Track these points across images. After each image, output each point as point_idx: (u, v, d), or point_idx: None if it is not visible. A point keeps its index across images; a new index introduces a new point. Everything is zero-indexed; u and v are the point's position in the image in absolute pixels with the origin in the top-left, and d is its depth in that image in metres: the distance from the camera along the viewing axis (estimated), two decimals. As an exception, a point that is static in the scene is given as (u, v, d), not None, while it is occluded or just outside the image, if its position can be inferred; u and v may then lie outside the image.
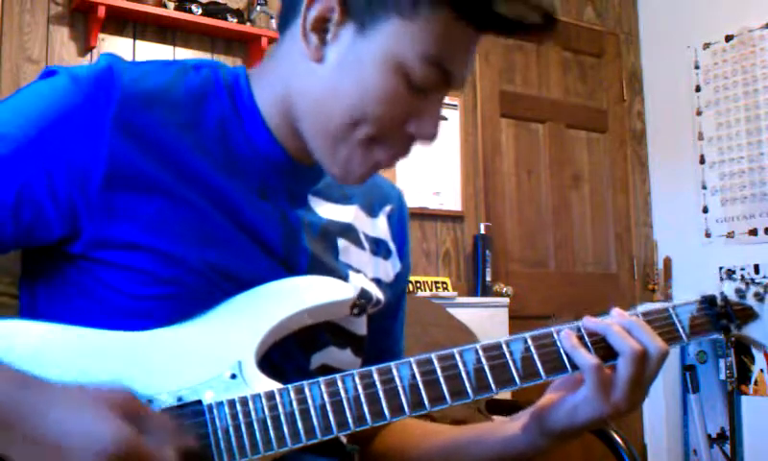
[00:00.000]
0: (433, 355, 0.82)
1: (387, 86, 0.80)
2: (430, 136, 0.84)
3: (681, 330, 0.90)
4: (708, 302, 0.93)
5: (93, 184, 0.79)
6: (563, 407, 0.86)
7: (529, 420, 0.90)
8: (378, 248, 1.01)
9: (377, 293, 0.96)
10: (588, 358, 0.83)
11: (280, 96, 0.87)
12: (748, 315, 0.93)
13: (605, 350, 0.85)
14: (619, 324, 0.85)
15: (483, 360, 0.83)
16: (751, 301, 0.94)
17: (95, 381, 0.70)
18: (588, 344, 0.85)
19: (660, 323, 0.89)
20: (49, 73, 0.83)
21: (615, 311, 0.87)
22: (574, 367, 0.84)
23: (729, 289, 0.94)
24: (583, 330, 0.86)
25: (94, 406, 0.66)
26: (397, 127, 0.83)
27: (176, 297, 0.80)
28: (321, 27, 0.82)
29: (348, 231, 0.96)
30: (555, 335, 0.85)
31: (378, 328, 0.99)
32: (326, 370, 0.89)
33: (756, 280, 0.94)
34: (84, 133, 0.79)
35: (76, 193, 0.79)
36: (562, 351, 0.85)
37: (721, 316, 0.92)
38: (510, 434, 0.92)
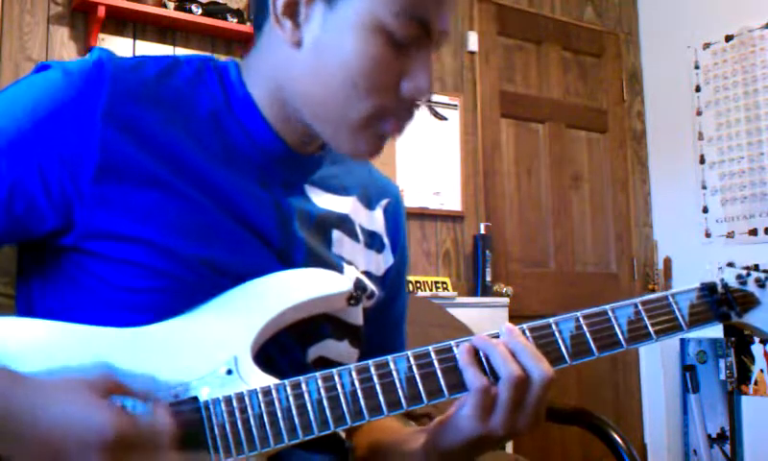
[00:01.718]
0: (430, 348, 0.81)
1: (369, 51, 0.80)
2: (425, 91, 0.83)
3: (680, 319, 0.87)
4: (707, 289, 0.90)
5: (85, 176, 0.79)
6: (449, 425, 0.84)
7: (426, 437, 0.89)
8: (373, 241, 1.00)
9: (371, 285, 0.96)
10: (473, 379, 0.80)
11: (271, 87, 0.87)
12: (749, 302, 0.90)
13: None
14: (505, 345, 0.81)
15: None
16: (752, 287, 0.91)
17: (77, 366, 0.70)
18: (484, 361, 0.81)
19: (659, 311, 0.87)
20: (42, 67, 0.83)
21: (506, 329, 0.82)
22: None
23: (729, 275, 0.91)
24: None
25: (81, 396, 0.67)
26: (392, 92, 0.82)
27: (169, 290, 0.80)
28: (291, 11, 0.82)
29: (344, 222, 0.95)
30: (554, 326, 0.84)
31: (373, 324, 0.99)
32: (324, 362, 0.89)
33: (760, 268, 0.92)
34: (75, 125, 0.79)
35: (68, 185, 0.79)
36: (490, 357, 0.81)
37: (721, 303, 0.89)
38: (413, 448, 0.91)
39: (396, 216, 1.06)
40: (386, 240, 1.03)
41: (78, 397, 0.67)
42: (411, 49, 0.82)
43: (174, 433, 0.69)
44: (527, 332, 0.83)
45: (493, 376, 0.80)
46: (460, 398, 0.82)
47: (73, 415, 0.66)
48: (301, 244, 0.88)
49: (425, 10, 0.80)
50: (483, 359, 0.81)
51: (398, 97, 0.83)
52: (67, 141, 0.79)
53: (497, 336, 0.83)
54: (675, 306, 0.88)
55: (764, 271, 0.92)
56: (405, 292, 1.09)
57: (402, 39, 0.80)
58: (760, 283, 0.91)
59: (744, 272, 0.91)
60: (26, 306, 0.86)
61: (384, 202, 1.04)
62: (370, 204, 1.01)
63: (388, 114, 0.83)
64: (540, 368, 0.80)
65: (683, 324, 0.88)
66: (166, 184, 0.81)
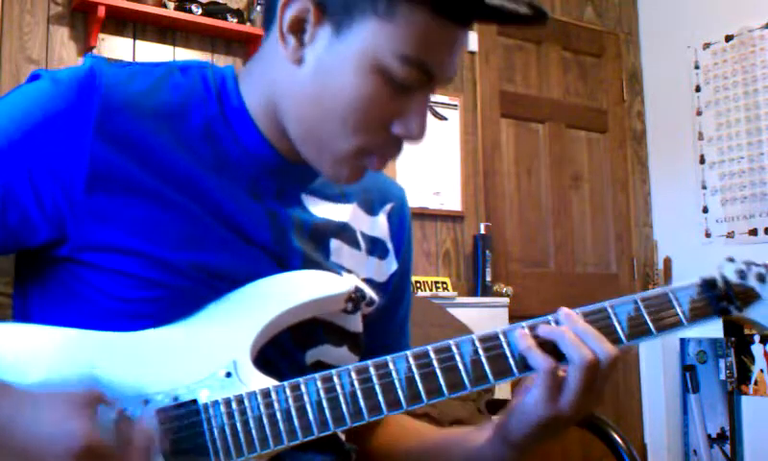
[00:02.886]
0: (429, 348, 0.81)
1: (366, 88, 0.78)
2: (417, 136, 0.81)
3: (681, 314, 0.87)
4: (708, 284, 0.89)
5: (76, 188, 0.79)
6: (516, 411, 0.84)
7: (493, 431, 0.89)
8: (375, 247, 0.99)
9: (370, 292, 0.95)
10: (541, 361, 0.80)
11: (267, 97, 0.86)
12: (749, 296, 0.90)
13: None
14: (573, 331, 0.82)
15: (480, 351, 0.82)
16: (752, 282, 0.90)
17: (63, 377, 0.71)
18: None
19: (660, 307, 0.87)
20: (34, 77, 0.83)
21: (564, 314, 0.84)
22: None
23: (729, 270, 0.91)
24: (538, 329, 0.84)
25: (59, 407, 0.68)
26: (381, 131, 0.81)
27: (165, 299, 0.80)
28: (298, 28, 0.80)
29: (343, 231, 0.95)
30: (553, 324, 0.84)
31: (374, 329, 0.98)
32: (322, 367, 0.88)
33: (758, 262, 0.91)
34: (65, 136, 0.79)
35: (59, 197, 0.79)
36: (559, 343, 0.83)
37: (721, 298, 0.88)
38: (478, 444, 0.91)
39: (401, 219, 1.04)
40: (390, 246, 1.02)
41: (55, 408, 0.68)
42: (409, 91, 0.80)
43: (154, 443, 0.70)
44: (526, 329, 0.83)
45: (554, 358, 0.81)
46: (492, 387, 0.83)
47: (47, 426, 0.67)
48: (298, 253, 0.88)
49: (430, 57, 0.78)
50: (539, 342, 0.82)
51: (388, 135, 0.81)
52: (57, 152, 0.78)
53: (547, 322, 0.84)
54: (675, 302, 0.88)
55: (764, 265, 0.91)
56: (409, 294, 1.08)
57: (402, 82, 0.78)
58: (761, 278, 0.90)
59: (744, 266, 0.91)
60: (23, 312, 0.86)
61: (388, 206, 1.03)
62: (372, 209, 1.00)
63: (374, 151, 0.83)
64: (604, 349, 0.81)
65: (683, 319, 0.87)
66: (158, 195, 0.81)
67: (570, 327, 0.82)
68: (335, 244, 0.93)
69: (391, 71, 0.78)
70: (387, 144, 0.82)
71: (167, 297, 0.80)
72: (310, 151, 0.84)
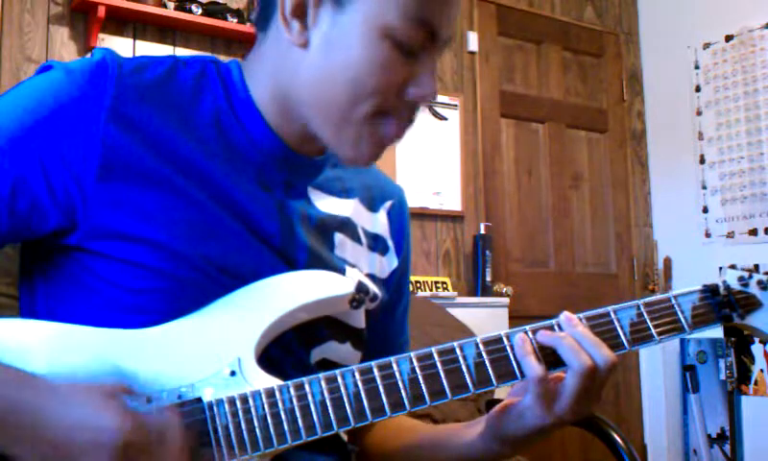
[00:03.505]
0: (433, 349, 0.82)
1: (375, 55, 0.81)
2: (430, 95, 0.84)
3: (682, 320, 0.88)
4: (710, 291, 0.90)
5: (88, 176, 0.79)
6: (512, 413, 0.85)
7: (485, 426, 0.90)
8: (376, 243, 1.00)
9: (374, 288, 0.96)
10: (533, 368, 0.81)
11: (274, 88, 0.88)
12: (751, 304, 0.90)
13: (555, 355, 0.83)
14: (572, 336, 0.83)
15: (483, 354, 0.82)
16: (754, 289, 0.91)
17: (85, 371, 0.70)
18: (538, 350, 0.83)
19: (662, 313, 0.87)
20: (45, 68, 0.84)
21: (565, 318, 0.85)
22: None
23: (731, 277, 0.92)
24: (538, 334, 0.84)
25: (92, 398, 0.67)
26: (396, 95, 0.83)
27: (172, 291, 0.80)
28: (300, 12, 0.83)
29: (346, 226, 0.96)
30: (556, 328, 0.85)
31: (376, 325, 0.99)
32: (326, 364, 0.89)
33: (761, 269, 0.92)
34: (78, 124, 0.79)
35: (71, 184, 0.79)
36: (558, 349, 0.83)
37: (723, 305, 0.89)
38: (469, 439, 0.92)
39: (401, 217, 1.06)
40: (390, 243, 1.03)
41: (89, 399, 0.67)
42: (416, 54, 0.83)
43: (184, 435, 0.69)
44: (529, 333, 0.84)
45: (549, 364, 0.82)
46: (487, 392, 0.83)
47: (85, 417, 0.65)
48: (303, 246, 0.89)
49: (432, 14, 0.81)
50: (536, 348, 0.83)
51: (402, 100, 0.84)
52: (70, 140, 0.79)
53: (551, 327, 0.84)
54: (677, 308, 0.88)
55: (766, 273, 0.92)
56: (408, 291, 1.10)
57: (408, 44, 0.81)
58: (762, 285, 0.91)
59: (746, 274, 0.91)
60: (29, 307, 0.86)
61: (388, 204, 1.04)
62: (373, 206, 1.02)
63: (390, 114, 0.84)
64: (602, 355, 0.81)
65: (685, 326, 0.88)
66: (169, 183, 0.82)
67: (570, 331, 0.83)
68: (339, 238, 0.94)
69: (397, 34, 0.80)
70: (401, 107, 0.84)
71: (173, 289, 0.80)
72: (329, 132, 0.85)
